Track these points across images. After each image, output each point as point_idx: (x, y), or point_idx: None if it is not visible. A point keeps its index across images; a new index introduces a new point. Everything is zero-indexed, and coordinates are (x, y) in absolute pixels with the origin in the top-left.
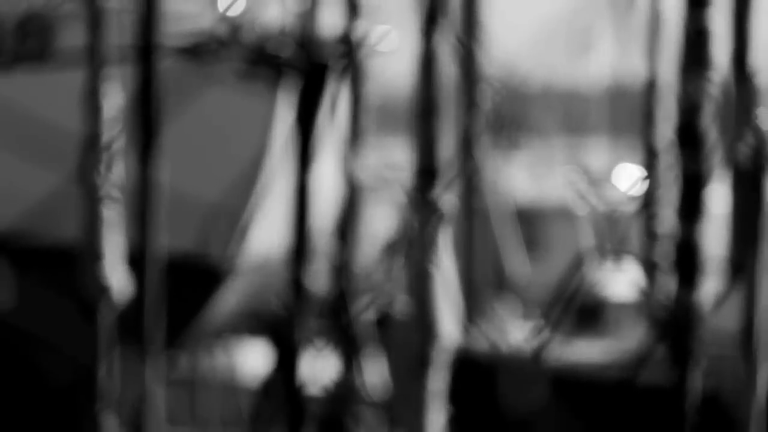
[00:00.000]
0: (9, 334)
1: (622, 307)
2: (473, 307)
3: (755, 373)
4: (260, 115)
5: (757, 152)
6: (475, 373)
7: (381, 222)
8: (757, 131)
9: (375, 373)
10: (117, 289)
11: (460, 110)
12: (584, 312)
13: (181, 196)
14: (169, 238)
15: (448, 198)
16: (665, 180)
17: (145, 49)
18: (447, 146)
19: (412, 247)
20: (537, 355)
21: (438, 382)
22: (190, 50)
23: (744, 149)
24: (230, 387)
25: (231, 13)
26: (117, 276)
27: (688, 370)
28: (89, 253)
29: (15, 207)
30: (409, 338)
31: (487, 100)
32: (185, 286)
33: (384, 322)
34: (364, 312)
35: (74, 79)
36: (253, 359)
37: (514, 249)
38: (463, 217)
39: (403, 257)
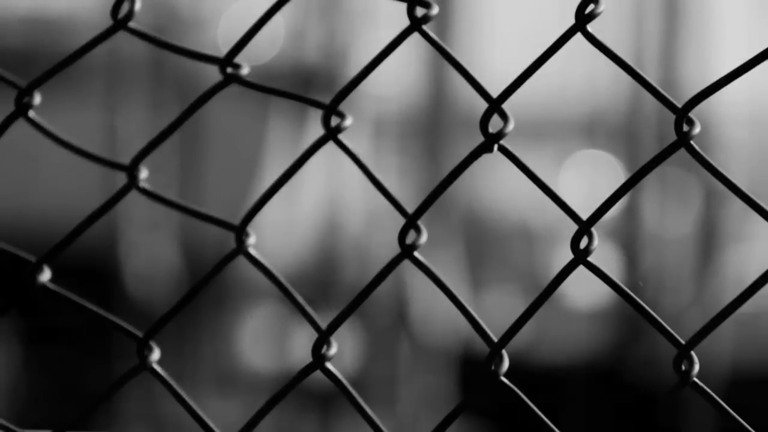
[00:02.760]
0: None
1: (594, 306)
2: (476, 306)
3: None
4: (255, 127)
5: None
6: (478, 370)
7: (382, 224)
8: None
9: (387, 363)
10: (145, 297)
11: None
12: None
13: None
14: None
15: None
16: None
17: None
18: (446, 160)
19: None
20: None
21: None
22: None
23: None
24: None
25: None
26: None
27: (650, 366)
28: (117, 263)
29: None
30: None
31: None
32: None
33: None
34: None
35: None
36: (261, 349)
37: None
38: (465, 225)
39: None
